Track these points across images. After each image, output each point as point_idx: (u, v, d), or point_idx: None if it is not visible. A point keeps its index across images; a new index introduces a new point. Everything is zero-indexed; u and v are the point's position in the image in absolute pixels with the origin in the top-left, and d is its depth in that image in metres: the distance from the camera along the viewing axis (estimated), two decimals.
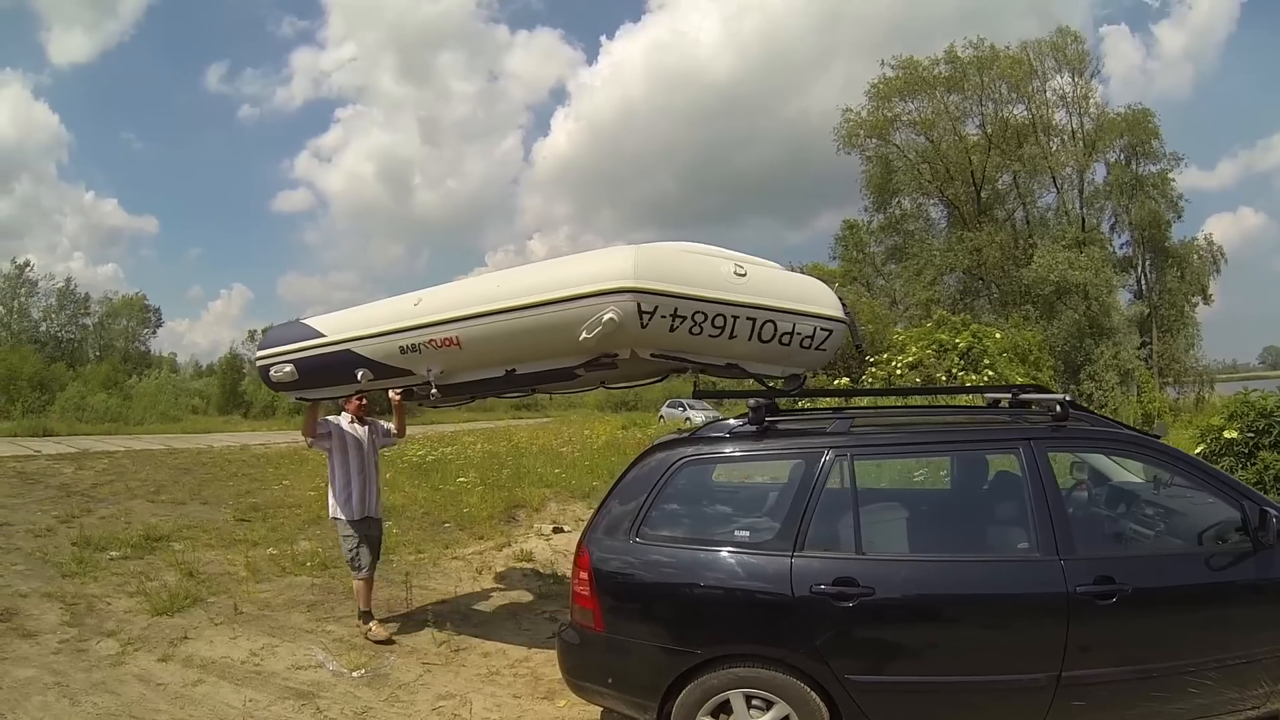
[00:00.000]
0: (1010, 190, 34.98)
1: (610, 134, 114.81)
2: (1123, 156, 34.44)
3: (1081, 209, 34.01)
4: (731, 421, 3.92)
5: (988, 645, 3.38)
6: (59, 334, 54.23)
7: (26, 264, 54.19)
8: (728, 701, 3.42)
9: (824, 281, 4.70)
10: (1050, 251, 30.66)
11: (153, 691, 4.58)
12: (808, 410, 4.97)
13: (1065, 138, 33.86)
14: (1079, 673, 3.26)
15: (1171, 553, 3.69)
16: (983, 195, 34.41)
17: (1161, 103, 66.01)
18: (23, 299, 53.39)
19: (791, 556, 3.41)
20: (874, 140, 35.42)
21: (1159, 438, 3.99)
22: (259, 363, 5.21)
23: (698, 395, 4.66)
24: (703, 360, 4.36)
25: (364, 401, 5.70)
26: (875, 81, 34.74)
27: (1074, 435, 3.84)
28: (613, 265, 4.06)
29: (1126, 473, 4.45)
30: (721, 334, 4.11)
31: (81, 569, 7.02)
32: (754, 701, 3.41)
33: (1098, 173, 34.41)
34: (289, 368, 5.02)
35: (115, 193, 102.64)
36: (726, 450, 3.87)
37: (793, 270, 5.05)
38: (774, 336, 4.19)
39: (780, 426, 3.92)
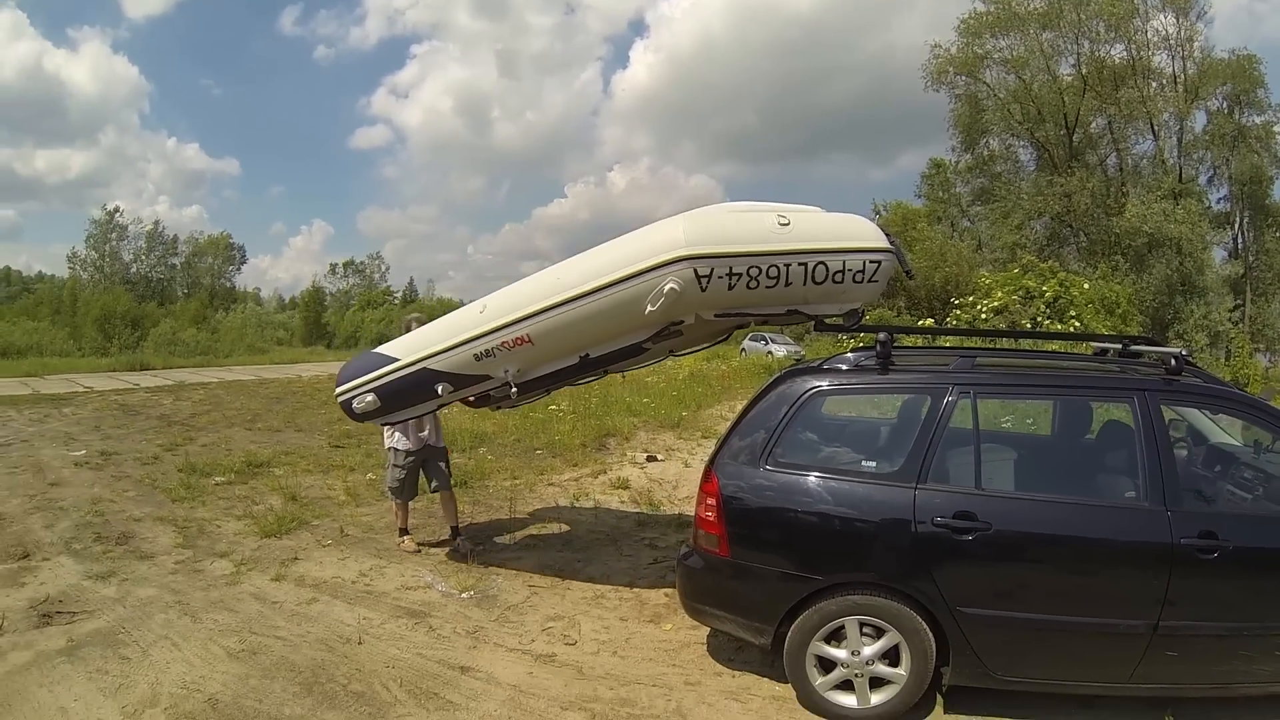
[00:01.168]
0: (1104, 135, 33.50)
1: (690, 67, 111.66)
2: (1225, 105, 32.62)
3: (1179, 159, 32.46)
4: (851, 355, 3.96)
5: (1093, 588, 3.44)
6: (149, 274, 57.00)
7: (116, 210, 56.98)
8: (841, 627, 3.50)
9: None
10: (1145, 201, 29.41)
11: (269, 609, 4.78)
12: (916, 349, 4.94)
13: (1165, 82, 32.11)
14: (1175, 623, 3.31)
15: (1270, 516, 3.70)
16: (1075, 139, 33.02)
17: (1268, 49, 61.17)
18: (114, 243, 56.19)
19: (915, 488, 3.46)
20: (963, 77, 34.33)
21: (1269, 400, 3.97)
22: (340, 399, 5.24)
23: (819, 329, 4.73)
24: (764, 311, 4.49)
25: None
26: (966, 16, 33.62)
27: (1187, 390, 3.79)
28: (665, 237, 4.23)
29: (1224, 433, 4.41)
30: (777, 283, 4.24)
31: (190, 494, 7.29)
32: (864, 629, 3.49)
33: (1197, 121, 32.68)
34: (370, 397, 5.05)
35: (196, 137, 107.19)
36: (854, 383, 3.91)
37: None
38: (827, 277, 4.28)
39: (901, 362, 3.93)
